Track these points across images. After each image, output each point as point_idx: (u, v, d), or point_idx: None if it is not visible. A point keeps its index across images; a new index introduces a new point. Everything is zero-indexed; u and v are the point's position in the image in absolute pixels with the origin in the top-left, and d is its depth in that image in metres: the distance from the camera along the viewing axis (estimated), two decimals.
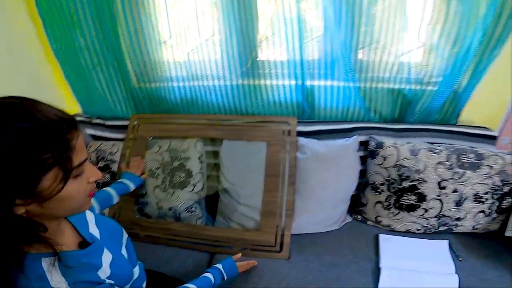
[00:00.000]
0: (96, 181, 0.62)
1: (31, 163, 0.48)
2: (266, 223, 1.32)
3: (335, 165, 1.33)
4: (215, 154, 1.50)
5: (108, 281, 0.66)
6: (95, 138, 1.58)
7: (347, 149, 1.34)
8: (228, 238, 1.33)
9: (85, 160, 0.57)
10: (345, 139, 1.38)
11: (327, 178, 1.32)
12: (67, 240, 0.65)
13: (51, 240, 0.57)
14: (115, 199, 1.18)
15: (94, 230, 0.74)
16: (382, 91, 1.37)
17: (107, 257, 0.70)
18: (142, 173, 1.38)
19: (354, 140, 1.36)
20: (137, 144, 1.46)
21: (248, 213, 1.35)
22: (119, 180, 1.28)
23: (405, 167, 1.28)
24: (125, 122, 1.53)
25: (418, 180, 1.27)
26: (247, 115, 1.51)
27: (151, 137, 1.47)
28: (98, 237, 0.73)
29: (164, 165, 1.41)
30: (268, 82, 1.43)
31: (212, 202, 1.49)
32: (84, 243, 0.68)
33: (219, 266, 1.04)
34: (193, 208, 1.40)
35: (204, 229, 1.38)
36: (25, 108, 0.50)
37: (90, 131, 1.60)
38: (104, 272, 0.67)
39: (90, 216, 0.76)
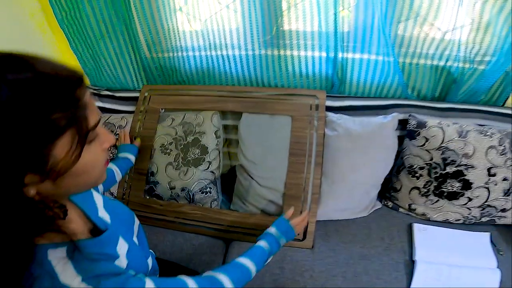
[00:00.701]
0: (109, 148, 0.51)
1: (38, 125, 0.37)
2: (289, 208, 1.17)
3: (370, 146, 1.16)
4: (234, 129, 1.35)
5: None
6: (104, 110, 1.47)
7: (385, 127, 1.16)
8: (246, 224, 1.21)
9: (99, 121, 0.46)
10: (382, 116, 1.20)
11: (360, 160, 1.16)
12: (77, 226, 0.53)
13: (65, 227, 0.47)
14: (118, 176, 1.06)
15: (104, 214, 0.61)
16: (424, 68, 1.21)
17: (122, 246, 0.59)
18: (132, 140, 1.29)
19: (393, 118, 1.18)
20: (148, 117, 1.32)
21: (269, 196, 1.21)
22: (119, 155, 1.17)
23: (451, 150, 1.11)
24: (136, 94, 1.40)
25: (465, 165, 1.10)
26: (270, 87, 1.36)
27: (163, 110, 1.33)
28: (109, 221, 0.61)
29: (177, 140, 1.27)
30: (294, 52, 1.28)
31: (228, 182, 1.36)
32: (96, 230, 0.56)
33: (272, 230, 0.87)
34: (208, 189, 1.27)
35: (219, 213, 1.25)
36: (20, 59, 0.39)
37: (98, 103, 1.48)
38: (121, 263, 0.56)
39: (97, 198, 0.64)
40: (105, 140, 0.49)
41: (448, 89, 1.25)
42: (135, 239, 0.68)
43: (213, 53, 1.33)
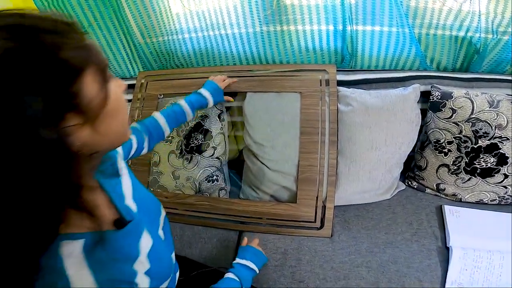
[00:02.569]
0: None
1: (51, 65, 0.34)
2: (303, 194, 1.04)
3: (390, 120, 1.01)
4: (239, 110, 1.22)
5: (142, 281, 0.46)
6: None
7: (405, 99, 1.02)
8: (258, 213, 1.08)
9: (107, 62, 0.42)
10: (402, 88, 1.06)
11: (379, 136, 1.01)
12: (102, 214, 0.44)
13: (94, 209, 0.40)
14: (189, 114, 0.95)
15: (130, 203, 0.53)
16: (442, 39, 1.09)
17: (146, 242, 0.50)
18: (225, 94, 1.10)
19: (415, 89, 1.03)
20: (146, 104, 1.20)
21: (281, 181, 1.08)
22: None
23: (483, 121, 0.96)
24: (133, 82, 1.28)
25: (499, 137, 0.96)
26: (274, 64, 1.22)
27: (162, 95, 1.20)
28: (135, 211, 0.53)
29: (179, 126, 1.15)
30: (299, 27, 1.15)
31: (236, 168, 1.23)
32: (120, 222, 0.47)
33: (242, 261, 0.80)
34: (214, 177, 1.14)
35: (228, 202, 1.13)
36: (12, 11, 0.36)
37: None
38: (142, 264, 0.47)
39: (126, 185, 0.55)
40: (118, 82, 0.45)
41: (470, 60, 1.12)
42: (160, 232, 0.61)
43: (211, 33, 1.21)
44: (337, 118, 1.05)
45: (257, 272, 0.81)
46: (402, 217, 1.03)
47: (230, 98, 1.12)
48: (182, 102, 0.96)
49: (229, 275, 0.75)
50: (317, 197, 1.04)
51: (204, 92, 1.01)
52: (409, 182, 1.14)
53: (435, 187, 1.08)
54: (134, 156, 0.83)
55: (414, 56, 1.13)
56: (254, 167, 1.11)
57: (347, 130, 1.04)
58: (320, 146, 1.03)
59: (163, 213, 0.65)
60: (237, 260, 0.80)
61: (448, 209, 1.01)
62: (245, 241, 0.89)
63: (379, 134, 1.01)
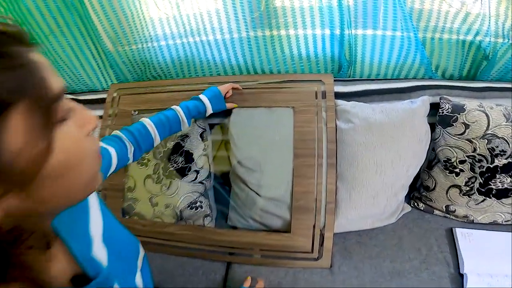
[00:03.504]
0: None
1: None
2: (299, 223, 0.91)
3: (397, 139, 0.88)
4: (223, 128, 1.08)
5: None
6: None
7: (414, 114, 0.88)
8: (248, 244, 0.95)
9: (64, 90, 0.28)
10: (409, 101, 0.93)
11: (385, 158, 0.88)
12: (57, 271, 0.35)
13: (42, 271, 0.31)
14: (184, 121, 0.82)
15: (100, 250, 0.42)
16: (448, 43, 0.99)
17: None
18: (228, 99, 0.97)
19: (424, 102, 0.90)
20: (119, 122, 1.04)
21: (273, 208, 0.94)
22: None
23: (500, 138, 0.84)
24: (104, 95, 1.12)
25: None
26: (264, 74, 1.08)
27: (136, 112, 1.05)
28: (105, 262, 0.42)
29: (155, 148, 1.00)
30: (291, 32, 1.02)
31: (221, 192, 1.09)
32: (80, 279, 0.37)
33: None
34: (197, 203, 1.00)
35: (214, 232, 0.99)
36: None
37: None
38: None
39: (96, 222, 0.44)
40: (84, 119, 0.31)
41: (478, 67, 1.02)
42: (138, 279, 0.50)
43: (190, 40, 1.06)
44: (336, 137, 0.92)
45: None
46: (409, 242, 0.92)
47: (233, 105, 0.96)
48: (176, 106, 0.82)
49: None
50: (314, 226, 0.91)
51: (201, 97, 0.87)
52: (415, 204, 1.01)
53: (444, 208, 0.96)
54: (116, 171, 0.69)
55: (419, 63, 1.02)
56: (242, 194, 0.97)
57: (348, 152, 0.90)
58: (317, 170, 0.90)
59: (142, 253, 0.54)
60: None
61: (459, 232, 0.91)
62: (248, 282, 0.77)
63: (385, 155, 0.87)
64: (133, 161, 0.74)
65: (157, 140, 0.78)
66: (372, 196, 0.90)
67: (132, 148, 0.72)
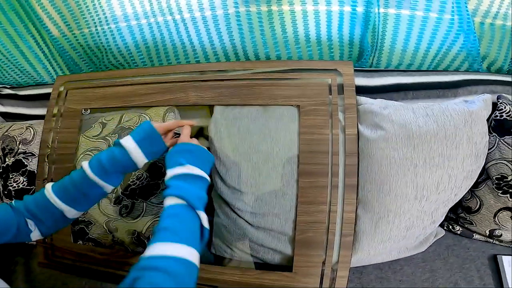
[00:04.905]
0: None
1: None
2: (304, 260, 0.68)
3: (448, 153, 0.62)
4: (201, 132, 0.83)
5: None
6: (7, 116, 0.95)
7: (474, 120, 0.62)
8: (237, 283, 0.72)
9: None
10: (462, 100, 0.68)
11: (430, 180, 0.62)
12: None
13: None
14: (93, 183, 0.55)
15: None
16: (502, 31, 0.78)
17: None
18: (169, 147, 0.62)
19: (485, 102, 0.65)
20: (65, 124, 0.78)
21: (269, 242, 0.69)
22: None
23: None
24: (48, 90, 0.85)
25: None
26: (258, 61, 0.83)
27: (88, 110, 0.79)
28: None
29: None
30: (296, 7, 0.77)
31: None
32: None
33: (176, 171, 0.51)
34: None
35: None
36: None
37: None
38: None
39: None
40: None
41: None
42: None
43: (159, 19, 0.81)
44: (358, 149, 0.66)
45: (208, 179, 0.53)
46: (444, 276, 0.74)
47: (190, 122, 0.62)
48: (84, 164, 0.55)
49: (166, 201, 0.47)
50: (324, 262, 0.68)
51: (125, 141, 0.56)
52: (451, 227, 0.79)
53: (488, 233, 0.75)
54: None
55: (467, 53, 0.79)
56: (227, 221, 0.72)
57: (375, 170, 0.65)
58: (331, 193, 0.65)
59: None
60: (168, 172, 0.51)
61: (506, 260, 0.73)
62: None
63: (430, 177, 0.62)
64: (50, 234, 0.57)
65: (71, 211, 0.55)
66: (406, 228, 0.65)
67: (32, 222, 0.53)
